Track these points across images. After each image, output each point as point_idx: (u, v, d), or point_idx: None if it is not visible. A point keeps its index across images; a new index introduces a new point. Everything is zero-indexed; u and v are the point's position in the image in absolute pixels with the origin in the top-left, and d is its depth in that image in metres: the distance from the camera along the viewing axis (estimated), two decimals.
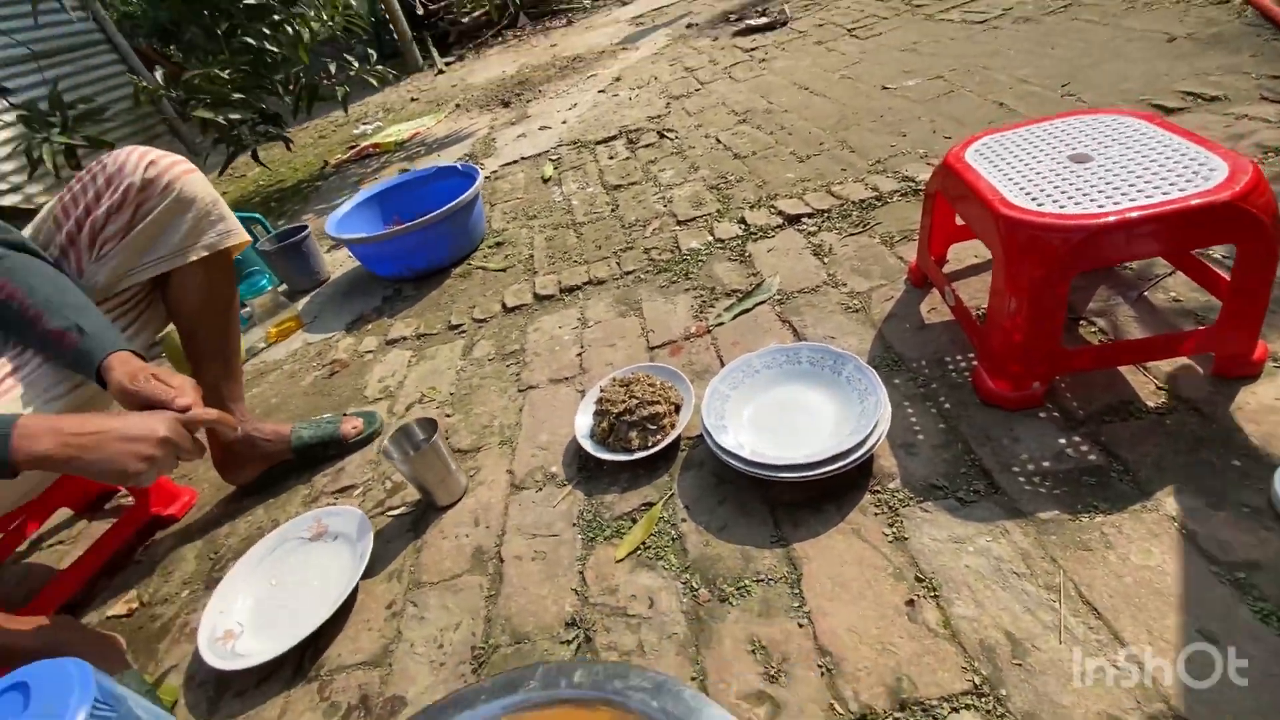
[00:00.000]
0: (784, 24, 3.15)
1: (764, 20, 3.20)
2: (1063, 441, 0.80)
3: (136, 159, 0.92)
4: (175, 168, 0.96)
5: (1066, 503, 0.73)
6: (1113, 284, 1.01)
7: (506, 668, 0.76)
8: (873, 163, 1.60)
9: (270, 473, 1.20)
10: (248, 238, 1.07)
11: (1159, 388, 0.83)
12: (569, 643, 0.76)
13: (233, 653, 0.85)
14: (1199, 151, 0.77)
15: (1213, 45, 1.61)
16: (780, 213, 1.51)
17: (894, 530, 0.77)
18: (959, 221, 1.04)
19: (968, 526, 0.74)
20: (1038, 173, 0.83)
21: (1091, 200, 0.75)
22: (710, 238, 1.51)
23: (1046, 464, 0.78)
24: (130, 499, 1.27)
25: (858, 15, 2.89)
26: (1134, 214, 0.71)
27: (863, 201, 1.44)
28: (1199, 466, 0.73)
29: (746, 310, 1.23)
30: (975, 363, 0.92)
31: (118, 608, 1.05)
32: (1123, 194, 0.74)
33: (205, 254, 0.98)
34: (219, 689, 0.85)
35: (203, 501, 1.24)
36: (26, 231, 0.95)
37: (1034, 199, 0.79)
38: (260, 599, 0.93)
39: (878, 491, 0.82)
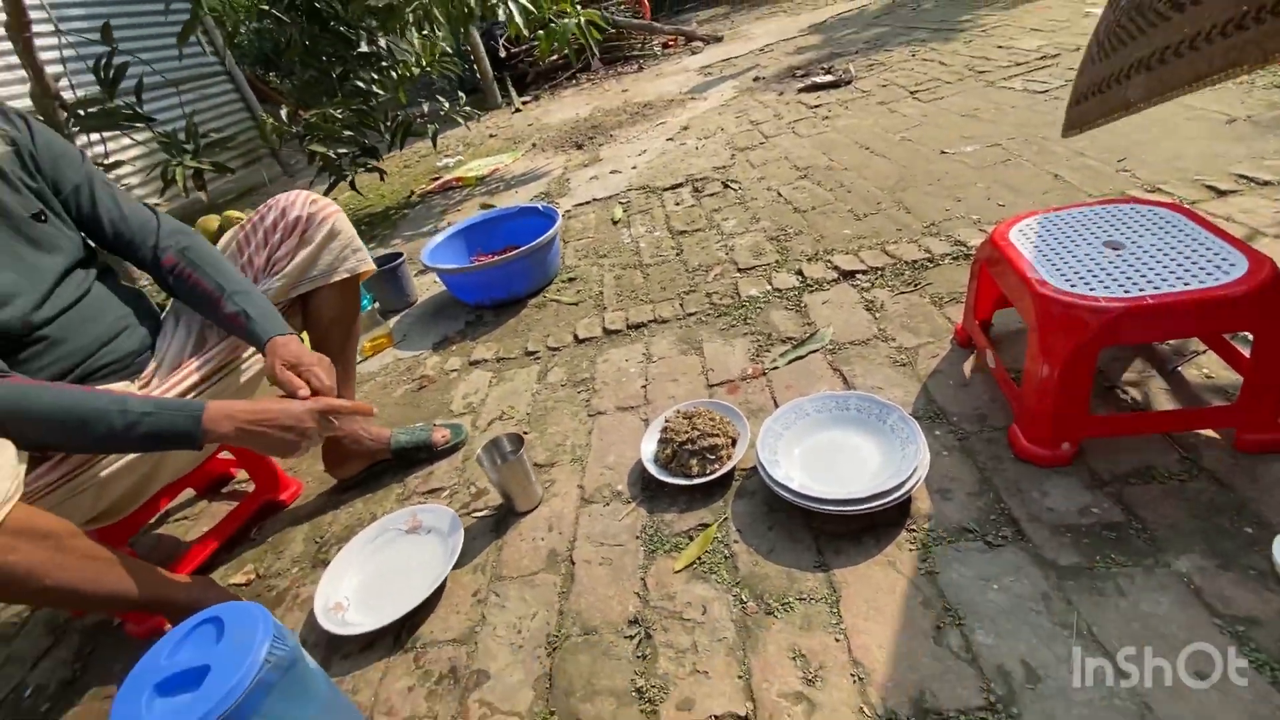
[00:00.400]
0: (848, 83, 3.29)
1: (828, 78, 3.36)
2: (1088, 499, 0.88)
3: (303, 199, 1.14)
4: (329, 207, 1.17)
5: (1086, 553, 0.82)
6: (1149, 357, 1.09)
7: (578, 659, 0.88)
8: (927, 225, 1.71)
9: (369, 470, 1.37)
10: (374, 266, 1.26)
11: (1183, 456, 0.91)
12: (631, 637, 0.88)
13: (343, 622, 1.00)
14: (1223, 246, 0.86)
15: (1273, 129, 1.66)
16: (836, 267, 1.63)
17: (926, 565, 0.86)
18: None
19: (994, 567, 0.83)
20: (1074, 255, 0.94)
21: (1119, 285, 0.85)
22: (769, 286, 1.64)
23: (1071, 518, 0.87)
24: (247, 484, 1.46)
25: (921, 78, 3.01)
26: (1156, 300, 0.81)
27: (915, 262, 1.55)
28: (1212, 530, 0.80)
29: (800, 357, 1.35)
30: (1012, 422, 1.01)
31: (238, 577, 1.22)
32: (1148, 280, 0.84)
33: (346, 276, 1.18)
34: (329, 651, 1.00)
35: (308, 492, 1.42)
36: None
37: (1068, 279, 0.89)
38: (364, 579, 1.09)
39: (913, 530, 0.92)
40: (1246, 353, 0.93)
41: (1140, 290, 0.83)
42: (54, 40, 3.16)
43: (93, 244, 1.07)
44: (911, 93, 2.85)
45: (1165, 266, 0.86)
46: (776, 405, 1.21)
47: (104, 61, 2.43)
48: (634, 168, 3.00)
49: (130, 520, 1.23)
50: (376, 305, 2.17)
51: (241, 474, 1.54)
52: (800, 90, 3.44)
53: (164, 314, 1.18)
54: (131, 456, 0.98)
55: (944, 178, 1.95)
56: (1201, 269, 0.83)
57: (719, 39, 5.95)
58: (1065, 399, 0.89)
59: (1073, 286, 0.87)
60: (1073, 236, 0.98)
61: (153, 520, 1.48)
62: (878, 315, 1.41)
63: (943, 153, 2.13)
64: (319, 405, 0.94)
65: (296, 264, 1.14)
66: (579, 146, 3.72)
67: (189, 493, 1.53)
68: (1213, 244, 0.88)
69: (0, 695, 1.16)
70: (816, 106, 3.08)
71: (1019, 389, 1.00)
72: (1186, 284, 0.81)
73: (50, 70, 2.57)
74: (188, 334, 1.12)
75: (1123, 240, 0.94)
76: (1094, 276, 0.88)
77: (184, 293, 1.07)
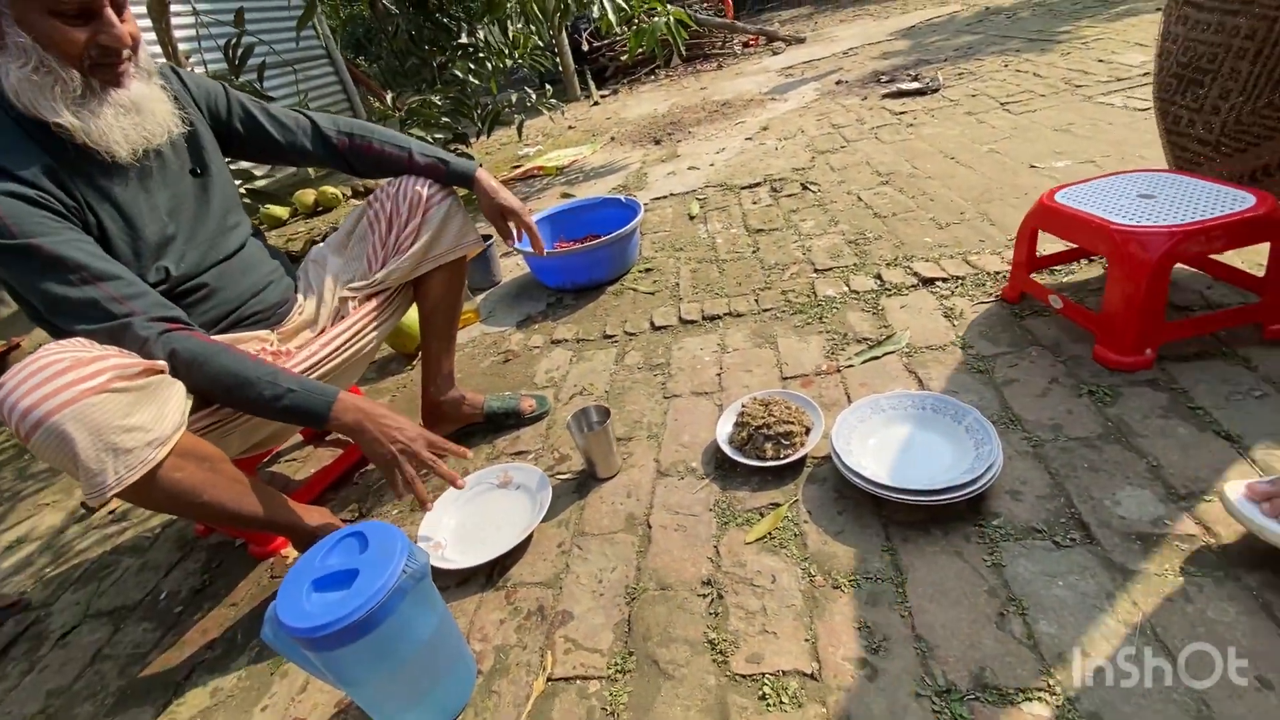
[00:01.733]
0: (935, 90, 3.26)
1: (915, 85, 3.33)
2: (1161, 510, 0.91)
3: (421, 182, 1.25)
4: (444, 189, 1.28)
5: (1156, 561, 0.84)
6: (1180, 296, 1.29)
7: (655, 609, 0.96)
8: (1011, 237, 1.71)
9: (463, 430, 1.49)
10: (483, 244, 1.37)
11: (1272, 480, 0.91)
12: (704, 596, 0.96)
13: (441, 558, 1.12)
14: (1229, 190, 1.13)
15: None
16: (915, 274, 1.65)
17: (993, 558, 0.91)
18: (1039, 254, 1.41)
19: (1060, 564, 0.87)
20: (1121, 206, 1.16)
21: (1169, 219, 1.10)
22: (846, 288, 1.68)
23: (1143, 527, 0.89)
24: None
25: (1013, 89, 2.95)
26: (1203, 224, 1.06)
27: (998, 273, 1.56)
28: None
29: (876, 358, 1.39)
30: (1094, 346, 1.21)
31: (344, 514, 1.37)
32: (1188, 215, 1.09)
33: (461, 255, 1.30)
34: None
35: None
36: (338, 235, 1.33)
37: (1131, 218, 1.10)
38: (460, 524, 1.20)
39: (981, 525, 0.96)
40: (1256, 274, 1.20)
41: (1188, 219, 1.07)
42: (190, 20, 3.46)
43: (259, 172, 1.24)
44: (1002, 104, 2.80)
45: (1195, 206, 1.11)
46: (850, 401, 1.27)
47: (233, 42, 2.66)
48: (711, 165, 3.06)
49: (255, 457, 1.40)
50: (465, 282, 2.31)
51: None
52: (884, 96, 3.42)
53: (299, 269, 1.33)
54: None
55: (1031, 192, 1.94)
56: (1223, 205, 1.09)
57: (801, 40, 5.92)
58: (1147, 309, 1.10)
59: (1138, 223, 1.09)
60: (1110, 195, 1.24)
61: (266, 460, 1.65)
62: (956, 323, 1.43)
63: (1032, 166, 2.11)
64: (434, 439, 1.02)
65: (421, 244, 1.26)
66: (657, 142, 3.80)
67: (297, 438, 1.69)
68: (1220, 190, 1.14)
69: (139, 596, 1.33)
70: (901, 113, 3.07)
71: (1098, 314, 1.20)
72: (1218, 213, 1.07)
73: (183, 48, 2.83)
74: (320, 299, 1.26)
75: (1152, 193, 1.19)
76: (1147, 216, 1.11)
77: (370, 163, 1.25)
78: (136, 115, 0.96)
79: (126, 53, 0.94)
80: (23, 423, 0.77)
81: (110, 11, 0.90)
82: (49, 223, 0.88)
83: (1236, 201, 1.10)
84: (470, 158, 3.55)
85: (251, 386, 0.94)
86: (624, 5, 3.10)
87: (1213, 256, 1.27)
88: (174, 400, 0.88)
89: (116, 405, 0.80)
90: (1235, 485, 0.83)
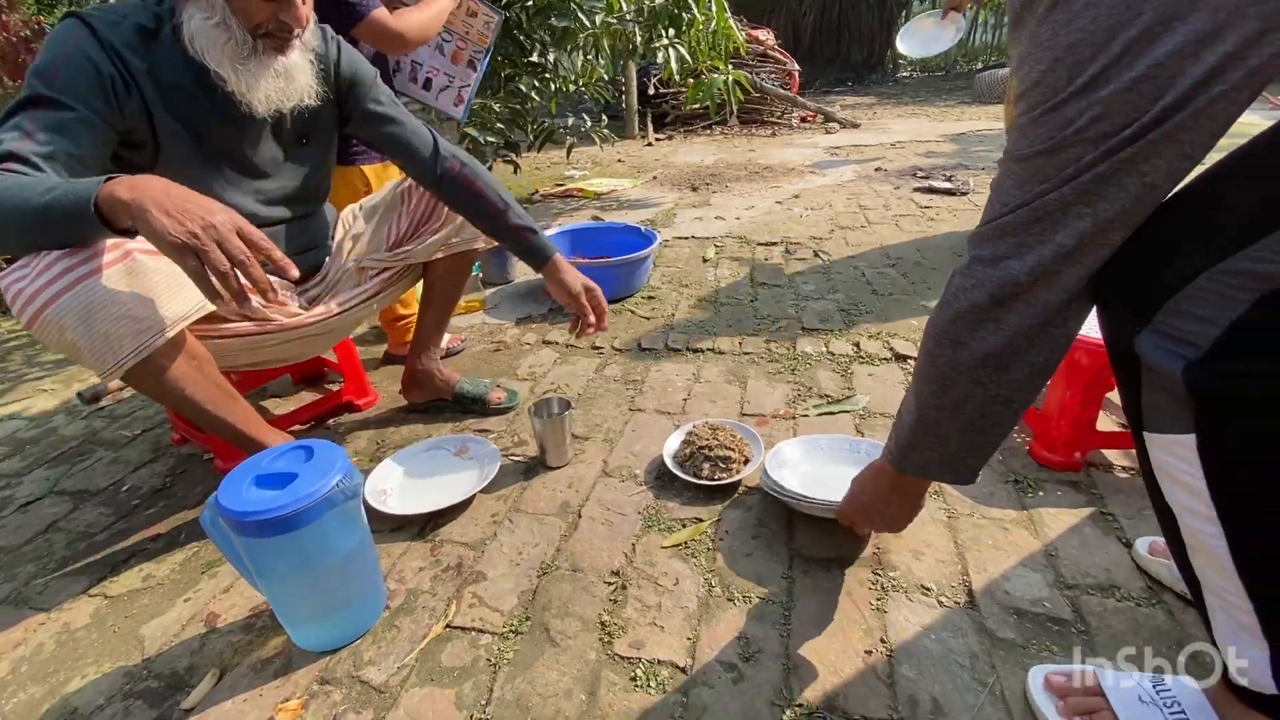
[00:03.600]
0: (964, 194, 3.39)
1: (946, 185, 3.47)
2: (1045, 594, 0.96)
3: None
4: None
5: (1025, 635, 0.90)
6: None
7: (562, 586, 1.03)
8: None
9: (433, 403, 1.58)
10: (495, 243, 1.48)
11: (1150, 584, 0.97)
12: (609, 584, 1.02)
13: (384, 503, 1.19)
14: None
15: None
16: (892, 349, 1.74)
17: (879, 604, 0.96)
18: None
19: (938, 621, 0.92)
20: None
21: None
22: (825, 349, 1.77)
23: (1024, 605, 0.94)
24: (338, 385, 1.71)
25: None
26: None
27: None
28: (1149, 651, 0.86)
29: (831, 413, 1.46)
30: (1030, 441, 1.28)
31: None
32: None
33: (474, 247, 1.41)
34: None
35: (382, 405, 1.64)
36: (370, 201, 1.45)
37: (1085, 328, 1.14)
38: (409, 477, 1.28)
39: (878, 574, 1.01)
40: None
41: None
42: None
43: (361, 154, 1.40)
44: None
45: None
46: None
47: None
48: (737, 219, 3.20)
49: (240, 385, 1.50)
50: (479, 275, 2.44)
51: (332, 377, 1.80)
52: (916, 189, 3.56)
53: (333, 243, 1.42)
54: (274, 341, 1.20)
55: None
56: None
57: (856, 125, 6.15)
58: (1081, 415, 1.17)
59: (1087, 333, 1.09)
60: None
61: (253, 391, 1.75)
62: None
63: None
64: (246, 226, 0.82)
65: (445, 232, 1.37)
66: (694, 189, 3.97)
67: (287, 379, 1.79)
68: None
69: (104, 485, 1.42)
70: (926, 207, 3.19)
71: (1039, 412, 1.26)
72: None
73: None
74: (335, 261, 1.37)
75: None
76: (1099, 329, 1.11)
77: (464, 199, 1.27)
78: (285, 81, 1.07)
79: (299, 30, 1.06)
80: (25, 310, 0.87)
81: None
82: (82, 98, 0.93)
83: None
84: (516, 166, 3.73)
85: (23, 193, 0.83)
86: (687, 57, 3.30)
87: None
88: (179, 295, 0.97)
89: (111, 289, 0.89)
90: (1037, 672, 0.81)
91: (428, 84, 2.03)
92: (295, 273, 0.87)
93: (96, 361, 0.93)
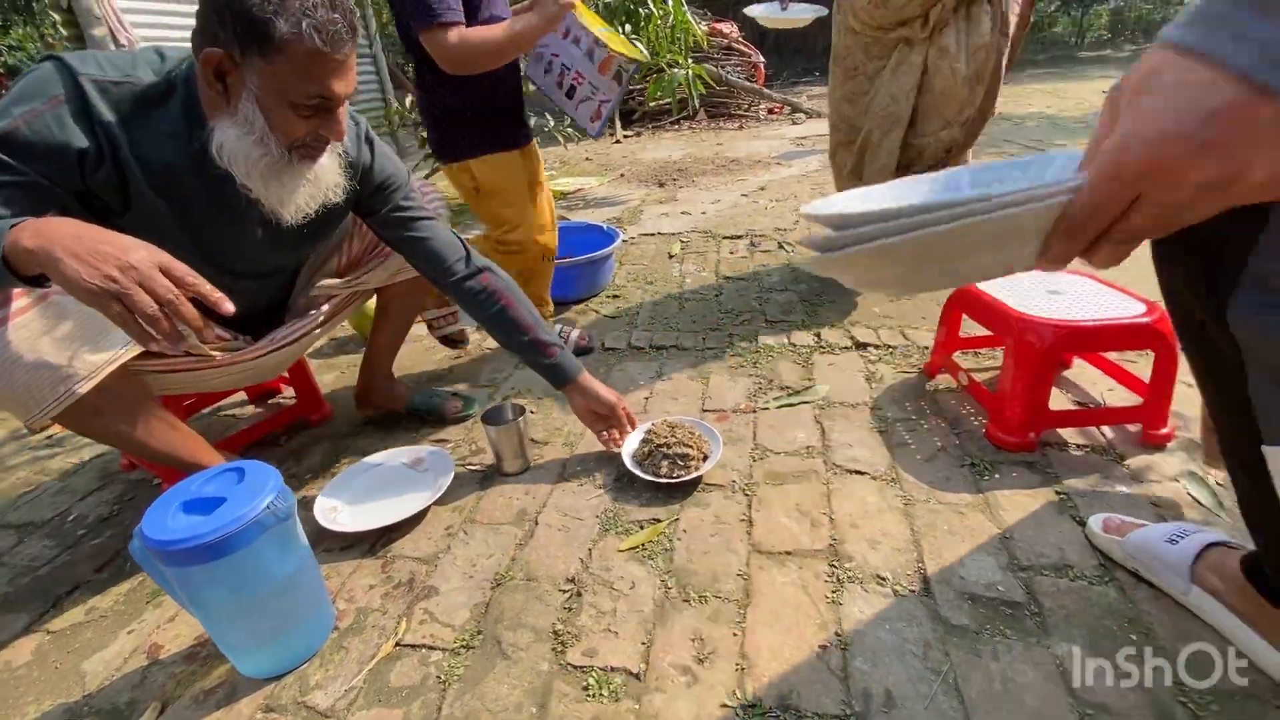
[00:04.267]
0: None
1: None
2: (998, 578, 0.96)
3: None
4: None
5: (979, 620, 0.89)
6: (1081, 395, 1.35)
7: (515, 597, 1.01)
8: None
9: (391, 414, 1.55)
10: None
11: (1103, 561, 0.97)
12: (564, 591, 1.00)
13: (334, 521, 1.16)
14: (1124, 297, 1.24)
15: None
16: (852, 337, 1.73)
17: (834, 596, 0.95)
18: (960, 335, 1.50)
19: (893, 611, 0.92)
20: (1031, 299, 1.26)
21: (1067, 315, 1.18)
22: (786, 340, 1.76)
23: (978, 590, 0.94)
24: (290, 399, 1.67)
25: None
26: (1096, 323, 1.16)
27: (926, 348, 1.64)
28: (1099, 629, 0.86)
29: (791, 405, 1.45)
30: (986, 423, 1.29)
31: None
32: (1085, 312, 1.19)
33: None
34: (316, 543, 1.15)
35: (336, 419, 1.61)
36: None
37: (1035, 310, 1.19)
38: (361, 493, 1.25)
39: (834, 566, 1.01)
40: (1142, 379, 1.26)
41: (1083, 317, 1.17)
42: None
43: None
44: None
45: (1094, 307, 1.21)
46: (756, 439, 1.33)
47: None
48: (704, 213, 3.19)
49: (193, 405, 1.46)
50: (425, 296, 2.40)
51: (288, 391, 1.76)
52: None
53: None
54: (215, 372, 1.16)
55: (981, 285, 2.03)
56: (1118, 310, 1.19)
57: (822, 115, 6.17)
58: (1034, 395, 1.19)
59: (1040, 314, 1.17)
60: (1024, 289, 1.31)
61: (206, 410, 1.71)
62: (874, 385, 1.50)
63: None
64: (170, 263, 0.72)
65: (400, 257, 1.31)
66: (661, 185, 3.95)
67: (241, 396, 1.75)
68: (1120, 297, 1.24)
69: (49, 515, 1.37)
70: None
71: (993, 394, 1.29)
72: (1110, 315, 1.17)
73: None
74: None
75: (1061, 290, 1.29)
76: (1047, 310, 1.19)
77: (492, 314, 1.21)
78: (314, 186, 1.00)
79: (336, 142, 0.99)
80: None
81: (341, 110, 0.94)
82: (36, 164, 0.82)
83: (1130, 308, 1.19)
84: None
85: None
86: (645, 53, 3.28)
87: (1119, 363, 1.35)
88: (104, 338, 0.93)
89: (27, 337, 0.86)
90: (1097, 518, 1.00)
91: (571, 91, 1.77)
92: (230, 308, 0.75)
93: (20, 410, 0.89)
